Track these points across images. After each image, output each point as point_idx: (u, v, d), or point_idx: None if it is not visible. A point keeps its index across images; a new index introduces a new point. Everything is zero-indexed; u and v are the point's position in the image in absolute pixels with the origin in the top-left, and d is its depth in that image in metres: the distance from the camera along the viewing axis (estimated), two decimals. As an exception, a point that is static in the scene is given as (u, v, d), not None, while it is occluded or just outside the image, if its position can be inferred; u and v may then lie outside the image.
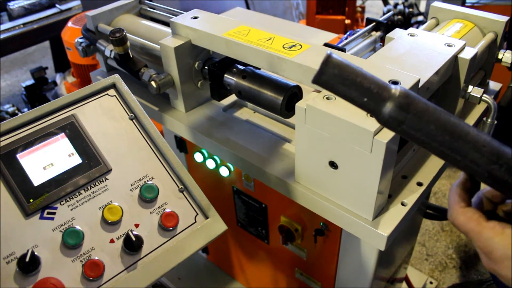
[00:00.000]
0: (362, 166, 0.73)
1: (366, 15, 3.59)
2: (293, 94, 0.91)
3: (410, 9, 2.87)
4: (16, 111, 2.72)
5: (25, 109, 2.91)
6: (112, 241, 0.66)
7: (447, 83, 0.91)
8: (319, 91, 0.79)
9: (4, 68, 3.82)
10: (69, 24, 2.13)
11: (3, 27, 2.48)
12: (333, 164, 0.77)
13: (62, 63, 2.81)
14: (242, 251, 1.51)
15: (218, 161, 1.25)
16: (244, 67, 0.99)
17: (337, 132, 0.72)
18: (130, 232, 0.66)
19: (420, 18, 2.98)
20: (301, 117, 0.77)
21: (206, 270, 1.73)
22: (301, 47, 0.86)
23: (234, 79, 0.98)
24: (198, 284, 1.69)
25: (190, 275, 1.73)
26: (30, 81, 2.81)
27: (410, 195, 0.84)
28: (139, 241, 0.66)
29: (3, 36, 2.42)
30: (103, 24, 1.19)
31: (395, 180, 0.87)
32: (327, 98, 0.74)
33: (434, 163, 0.92)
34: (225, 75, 1.00)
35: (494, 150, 0.50)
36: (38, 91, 2.81)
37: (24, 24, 2.51)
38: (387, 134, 0.68)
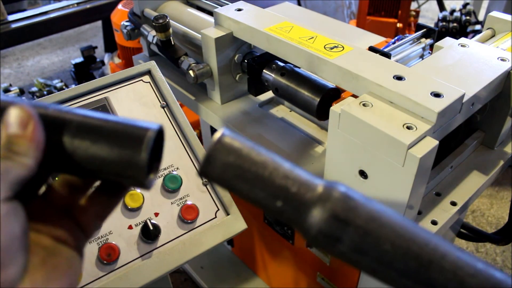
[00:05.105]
0: (392, 179, 0.70)
1: (421, 20, 3.48)
2: (330, 96, 0.88)
3: (468, 17, 2.73)
4: (64, 87, 2.80)
5: (73, 85, 2.99)
6: (130, 227, 0.67)
7: (495, 100, 0.86)
8: (356, 96, 0.76)
9: (58, 44, 3.96)
10: (119, 6, 2.17)
11: (58, 5, 2.56)
12: (363, 174, 0.74)
13: (111, 44, 2.87)
14: (267, 248, 1.50)
15: (250, 156, 1.23)
16: (284, 64, 0.97)
17: (370, 141, 0.69)
18: (148, 221, 0.65)
19: (478, 27, 2.83)
20: (334, 121, 0.74)
21: (229, 262, 1.73)
22: (343, 48, 0.83)
23: (273, 75, 0.96)
24: (220, 275, 1.70)
25: (213, 265, 1.73)
26: (80, 59, 2.89)
27: (442, 214, 0.80)
28: (156, 230, 0.66)
29: (57, 14, 2.50)
30: (149, 9, 1.20)
31: (428, 197, 0.83)
32: (364, 105, 0.71)
33: (472, 182, 0.87)
34: (264, 71, 0.98)
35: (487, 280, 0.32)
36: (86, 69, 2.89)
37: (78, 4, 2.59)
38: (423, 149, 0.64)
